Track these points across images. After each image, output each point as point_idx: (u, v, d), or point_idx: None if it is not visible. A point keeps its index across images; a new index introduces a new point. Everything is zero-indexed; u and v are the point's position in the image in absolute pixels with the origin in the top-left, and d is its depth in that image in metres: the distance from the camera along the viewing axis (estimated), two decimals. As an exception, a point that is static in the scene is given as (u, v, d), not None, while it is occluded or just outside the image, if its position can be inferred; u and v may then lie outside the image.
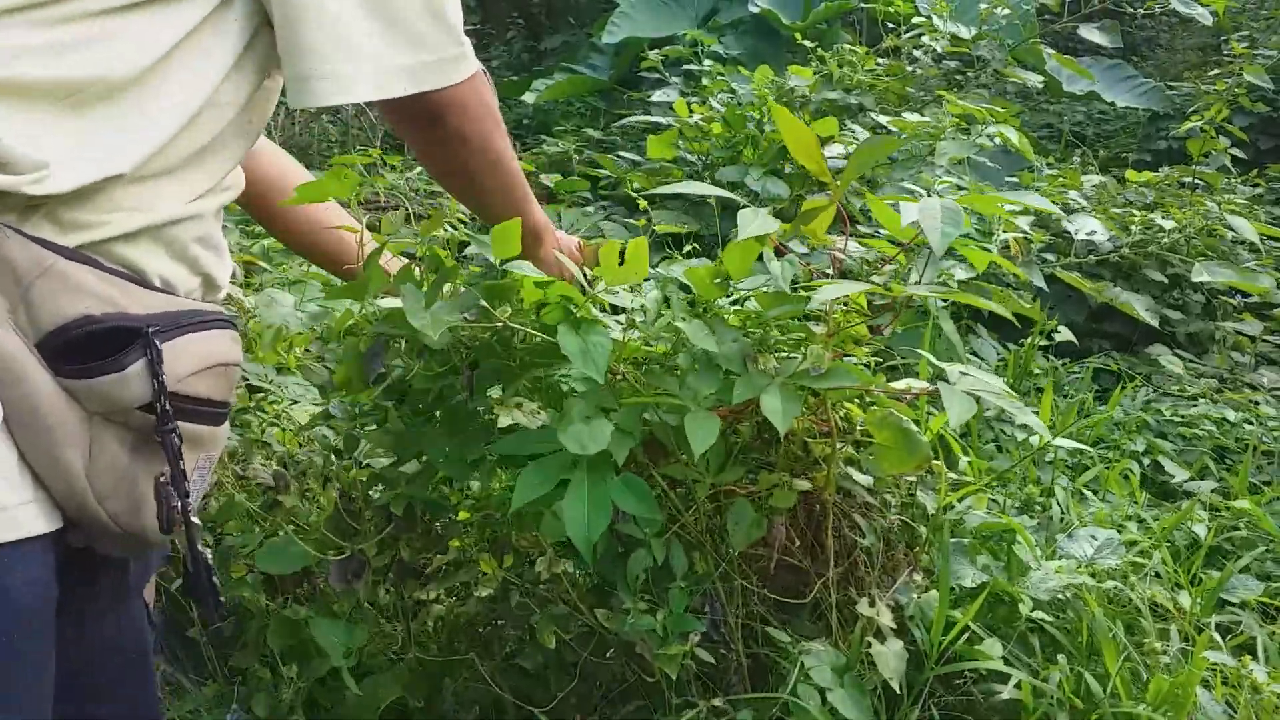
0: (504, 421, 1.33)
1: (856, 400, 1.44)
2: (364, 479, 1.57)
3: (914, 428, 1.37)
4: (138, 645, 1.09)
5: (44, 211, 0.83)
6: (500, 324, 1.31)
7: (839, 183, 1.30)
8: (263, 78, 0.98)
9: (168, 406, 0.87)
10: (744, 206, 1.32)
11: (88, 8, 0.84)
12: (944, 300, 2.52)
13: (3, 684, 0.84)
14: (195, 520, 0.92)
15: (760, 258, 1.36)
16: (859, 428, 1.45)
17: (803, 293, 1.34)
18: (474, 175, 1.14)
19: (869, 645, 1.40)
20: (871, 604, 1.43)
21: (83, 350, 0.84)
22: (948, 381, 1.28)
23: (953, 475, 1.63)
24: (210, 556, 0.97)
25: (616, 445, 1.27)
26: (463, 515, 1.58)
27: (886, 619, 1.42)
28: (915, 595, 1.50)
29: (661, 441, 1.38)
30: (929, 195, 1.32)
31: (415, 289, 1.25)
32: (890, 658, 1.40)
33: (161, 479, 0.90)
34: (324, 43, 0.91)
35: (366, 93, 0.94)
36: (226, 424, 0.99)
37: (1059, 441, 1.75)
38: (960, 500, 1.63)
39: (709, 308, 1.39)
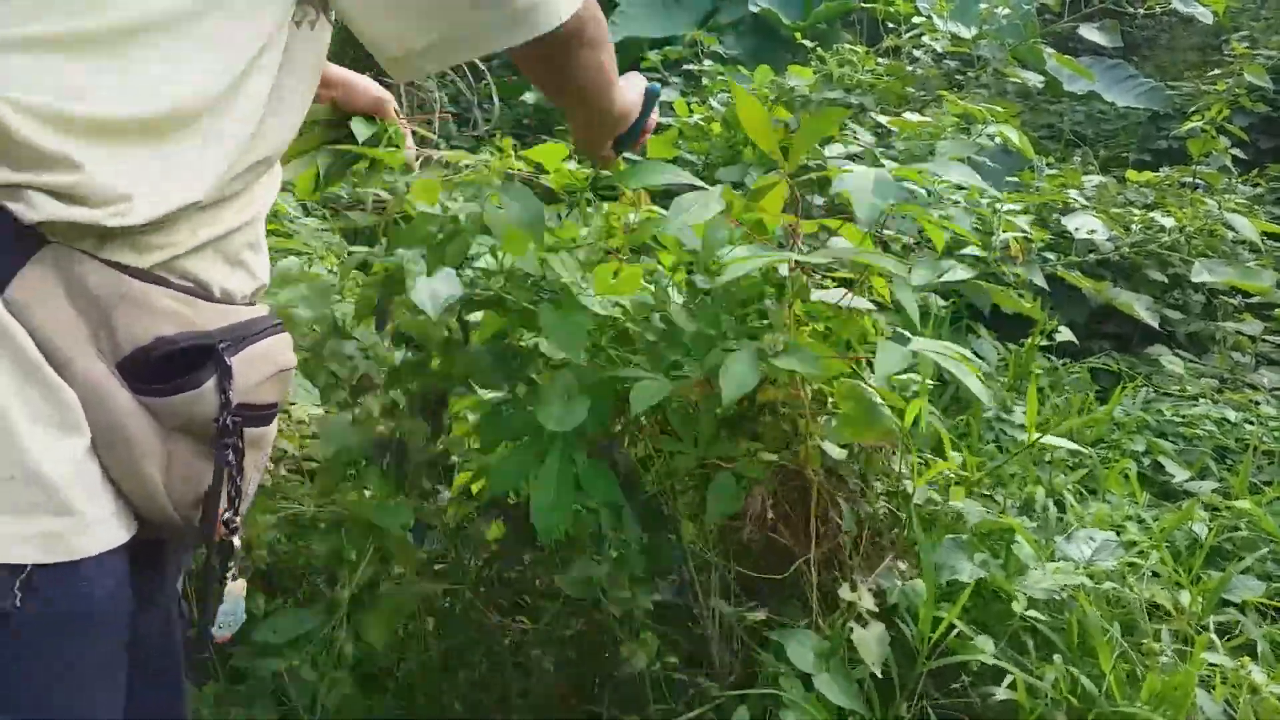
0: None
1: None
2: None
3: (879, 400, 1.41)
4: (171, 640, 1.10)
5: (121, 237, 0.85)
6: (490, 294, 1.39)
7: (789, 159, 1.32)
8: (320, 64, 0.98)
9: (229, 422, 0.90)
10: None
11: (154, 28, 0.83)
12: (945, 301, 2.51)
13: (89, 692, 0.87)
14: (236, 541, 0.96)
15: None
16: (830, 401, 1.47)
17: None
18: (589, 79, 1.17)
19: (850, 630, 1.40)
20: (853, 588, 1.44)
21: (159, 369, 0.87)
22: (880, 338, 1.31)
23: (946, 468, 1.64)
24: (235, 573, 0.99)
25: (591, 419, 1.32)
26: (462, 477, 1.63)
27: (868, 603, 1.42)
28: (899, 582, 1.50)
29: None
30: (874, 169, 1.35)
31: (419, 255, 1.30)
32: (871, 642, 1.40)
33: (214, 486, 0.92)
34: None
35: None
36: (276, 420, 1.02)
37: (1050, 440, 1.76)
38: (941, 486, 1.64)
39: (690, 281, 1.43)
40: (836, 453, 1.48)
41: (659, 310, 1.39)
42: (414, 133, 1.47)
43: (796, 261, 1.38)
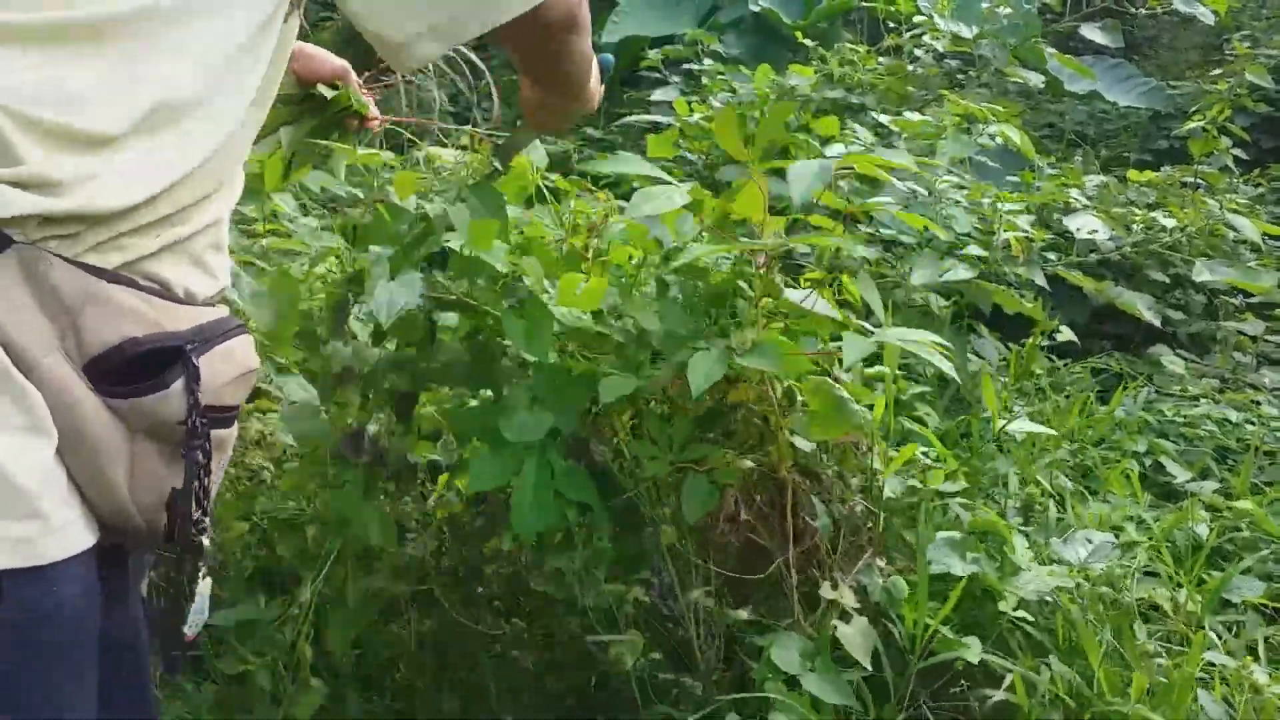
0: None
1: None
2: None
3: (847, 396, 1.42)
4: (136, 643, 1.10)
5: (86, 237, 0.84)
6: (455, 297, 1.39)
7: (755, 156, 1.34)
8: (284, 60, 0.98)
9: (198, 423, 0.89)
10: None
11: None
12: (945, 301, 2.51)
13: (63, 695, 0.87)
14: (205, 542, 0.95)
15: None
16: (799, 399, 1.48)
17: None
18: (576, 64, 1.15)
19: (835, 628, 1.40)
20: (834, 586, 1.44)
21: (126, 372, 0.86)
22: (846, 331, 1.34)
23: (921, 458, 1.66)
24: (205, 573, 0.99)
25: (562, 421, 1.37)
26: (423, 447, 1.63)
27: (850, 600, 1.43)
28: (879, 579, 1.51)
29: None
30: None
31: (383, 257, 1.30)
32: (857, 637, 1.40)
33: (179, 490, 0.92)
34: None
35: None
36: (237, 423, 1.01)
37: (1016, 426, 1.78)
38: (918, 474, 1.65)
39: (656, 275, 1.44)
40: (807, 447, 1.49)
41: (627, 313, 1.40)
42: (409, 127, 1.46)
43: (766, 257, 1.39)
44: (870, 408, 1.50)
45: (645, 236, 1.45)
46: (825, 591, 1.43)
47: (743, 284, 1.44)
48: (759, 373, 1.40)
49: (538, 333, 1.34)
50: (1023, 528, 1.82)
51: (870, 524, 1.56)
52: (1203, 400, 3.35)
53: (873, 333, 1.35)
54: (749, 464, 1.43)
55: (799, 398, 1.48)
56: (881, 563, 1.54)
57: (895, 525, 1.57)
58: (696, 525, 1.47)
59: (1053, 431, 2.48)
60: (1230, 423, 3.13)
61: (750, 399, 1.44)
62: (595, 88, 1.30)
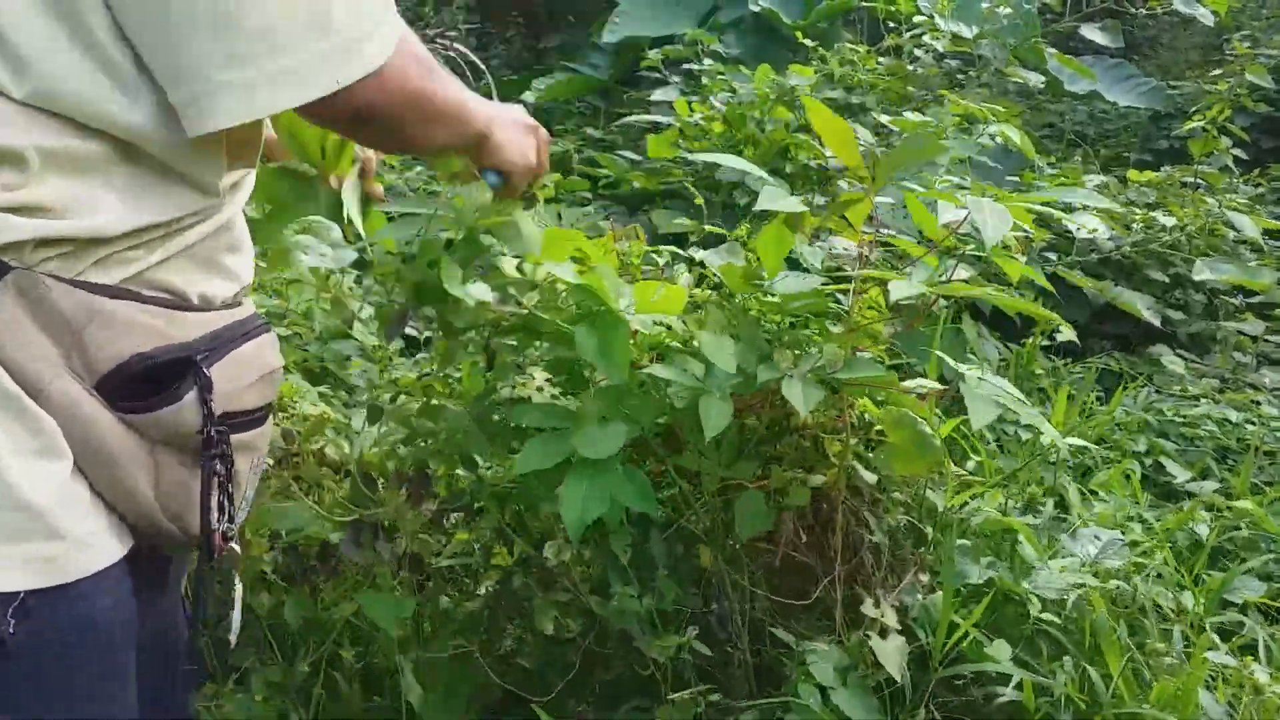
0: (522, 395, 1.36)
1: (871, 399, 1.44)
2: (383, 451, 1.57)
3: (928, 429, 1.37)
4: (174, 640, 1.10)
5: (85, 256, 0.83)
6: (526, 311, 1.32)
7: (875, 176, 1.31)
8: None
9: (214, 434, 0.89)
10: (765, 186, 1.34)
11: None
12: (945, 301, 2.51)
13: (94, 707, 0.87)
14: (236, 548, 0.96)
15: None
16: (874, 426, 1.45)
17: (825, 286, 1.35)
18: (416, 139, 0.99)
19: (869, 638, 1.40)
20: (876, 605, 1.43)
21: (139, 385, 0.86)
22: (966, 383, 1.29)
23: (959, 471, 1.63)
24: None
25: (634, 435, 1.29)
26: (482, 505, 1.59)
27: (891, 620, 1.42)
28: (920, 596, 1.50)
29: (675, 432, 1.39)
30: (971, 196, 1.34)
31: (453, 264, 1.27)
32: (891, 652, 1.40)
33: (211, 499, 0.92)
34: (212, 52, 0.78)
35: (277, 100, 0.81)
36: (270, 419, 1.01)
37: (1067, 440, 1.75)
38: (970, 499, 1.63)
39: (735, 300, 1.40)
40: (869, 477, 1.46)
41: (705, 329, 1.34)
42: None
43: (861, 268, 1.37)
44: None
45: (740, 278, 1.37)
46: (867, 609, 1.42)
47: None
48: (833, 398, 1.35)
49: (613, 347, 1.24)
50: (1030, 524, 1.82)
51: (911, 537, 1.55)
52: (1203, 400, 3.35)
53: (972, 386, 1.28)
54: (817, 481, 1.38)
55: (874, 427, 1.45)
56: (924, 578, 1.53)
57: (940, 539, 1.55)
58: (743, 544, 1.44)
59: (1095, 449, 2.46)
60: (1230, 423, 3.13)
61: (818, 422, 1.40)
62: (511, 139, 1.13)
